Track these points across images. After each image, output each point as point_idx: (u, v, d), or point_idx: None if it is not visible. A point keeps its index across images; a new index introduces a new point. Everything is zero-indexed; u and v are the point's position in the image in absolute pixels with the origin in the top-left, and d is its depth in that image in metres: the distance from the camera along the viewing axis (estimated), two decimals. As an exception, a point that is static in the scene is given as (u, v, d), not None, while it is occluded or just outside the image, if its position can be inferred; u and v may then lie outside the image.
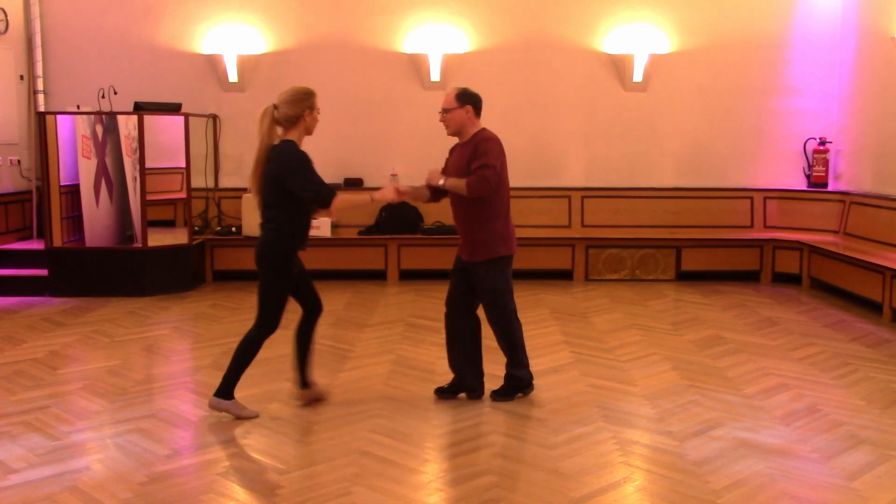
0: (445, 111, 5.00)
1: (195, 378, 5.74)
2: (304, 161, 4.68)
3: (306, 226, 4.86)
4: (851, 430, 4.70)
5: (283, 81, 9.54)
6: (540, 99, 9.62)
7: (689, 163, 9.71)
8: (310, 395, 5.13)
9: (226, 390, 4.85)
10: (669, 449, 4.43)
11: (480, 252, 4.99)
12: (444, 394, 5.24)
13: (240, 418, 4.85)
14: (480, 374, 5.26)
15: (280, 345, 6.53)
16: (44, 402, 5.18)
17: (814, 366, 6.00)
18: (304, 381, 5.10)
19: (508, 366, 5.22)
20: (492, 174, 4.85)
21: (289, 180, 4.65)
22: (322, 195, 4.69)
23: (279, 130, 4.76)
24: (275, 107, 4.72)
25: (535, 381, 5.40)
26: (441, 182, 4.99)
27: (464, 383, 5.23)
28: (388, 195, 4.97)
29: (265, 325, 4.88)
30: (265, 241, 4.79)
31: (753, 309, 7.87)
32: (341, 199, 4.75)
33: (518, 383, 5.21)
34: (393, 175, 9.42)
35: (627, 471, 4.17)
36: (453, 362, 5.23)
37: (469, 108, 4.99)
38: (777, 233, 9.35)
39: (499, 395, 5.20)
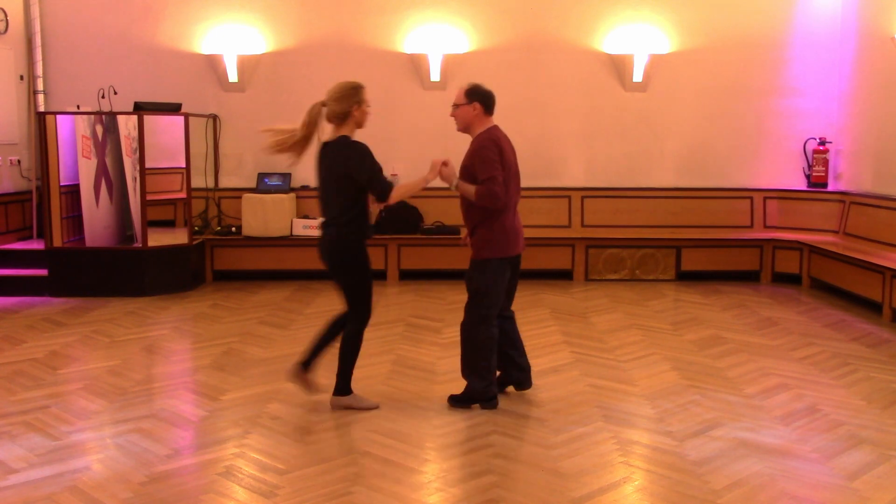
0: (455, 106, 4.98)
1: (195, 378, 5.74)
2: (370, 155, 4.78)
3: (366, 216, 4.93)
4: (851, 430, 4.70)
5: (283, 81, 9.68)
6: (540, 99, 9.62)
7: (689, 163, 9.71)
8: (305, 380, 5.08)
9: (343, 387, 4.98)
10: (669, 449, 4.43)
11: (474, 252, 5.00)
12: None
13: (363, 409, 4.96)
14: (522, 368, 5.26)
15: (281, 345, 6.55)
16: (44, 402, 5.18)
17: (814, 366, 6.00)
18: (308, 362, 5.07)
19: (464, 373, 5.05)
20: (500, 189, 4.79)
21: (358, 175, 4.73)
22: (383, 189, 4.79)
23: (329, 128, 4.82)
24: (323, 104, 4.77)
25: (535, 381, 5.40)
26: (454, 184, 4.93)
27: (511, 377, 5.27)
28: (434, 172, 4.95)
29: (361, 317, 4.99)
30: (335, 240, 4.84)
31: (753, 309, 7.87)
32: (396, 191, 4.86)
33: (472, 393, 5.02)
34: (393, 175, 9.42)
35: (627, 471, 4.17)
36: (498, 359, 5.22)
37: (476, 104, 4.90)
38: (777, 233, 9.35)
39: (453, 400, 5.08)
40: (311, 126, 4.79)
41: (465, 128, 5.00)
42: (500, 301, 5.04)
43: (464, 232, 5.23)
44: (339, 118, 4.78)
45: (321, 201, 4.91)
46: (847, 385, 5.54)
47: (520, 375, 5.28)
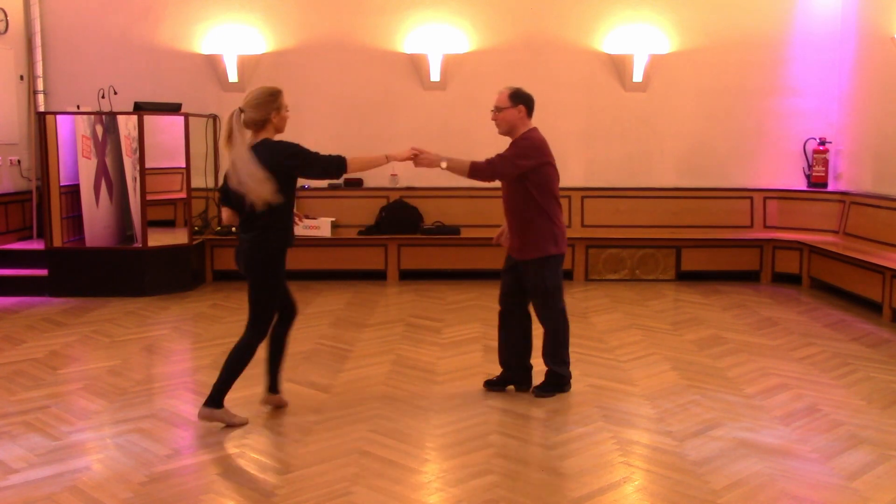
0: (498, 110, 5.07)
1: (195, 378, 5.74)
2: (298, 145, 4.61)
3: (291, 220, 4.77)
4: (851, 430, 4.70)
5: (283, 81, 9.52)
6: (540, 99, 9.38)
7: (689, 163, 9.71)
8: (276, 400, 5.04)
9: (217, 399, 4.72)
10: (669, 449, 4.43)
11: (529, 251, 5.08)
12: (493, 386, 5.36)
13: (231, 426, 4.73)
14: (528, 368, 5.36)
15: (280, 345, 6.54)
16: (44, 402, 5.18)
17: (814, 366, 6.00)
18: (273, 386, 5.01)
19: (552, 363, 5.22)
20: (501, 165, 4.96)
21: (303, 162, 4.57)
22: (335, 164, 4.66)
23: (248, 134, 4.60)
24: (241, 110, 4.55)
25: (534, 382, 5.40)
26: (443, 165, 4.98)
27: (512, 377, 5.34)
28: (403, 154, 4.93)
29: (259, 330, 4.81)
30: (256, 244, 4.67)
31: (753, 309, 7.86)
32: (354, 162, 4.74)
33: (561, 380, 5.24)
34: (393, 175, 9.42)
35: (627, 471, 4.17)
36: (503, 357, 5.33)
37: (521, 107, 5.07)
38: (777, 233, 9.34)
39: (542, 392, 5.23)
40: (230, 135, 4.49)
41: (507, 131, 5.13)
42: None
43: (502, 230, 5.35)
44: (258, 125, 4.58)
45: (239, 206, 4.64)
46: (847, 385, 5.54)
47: (524, 375, 5.35)
